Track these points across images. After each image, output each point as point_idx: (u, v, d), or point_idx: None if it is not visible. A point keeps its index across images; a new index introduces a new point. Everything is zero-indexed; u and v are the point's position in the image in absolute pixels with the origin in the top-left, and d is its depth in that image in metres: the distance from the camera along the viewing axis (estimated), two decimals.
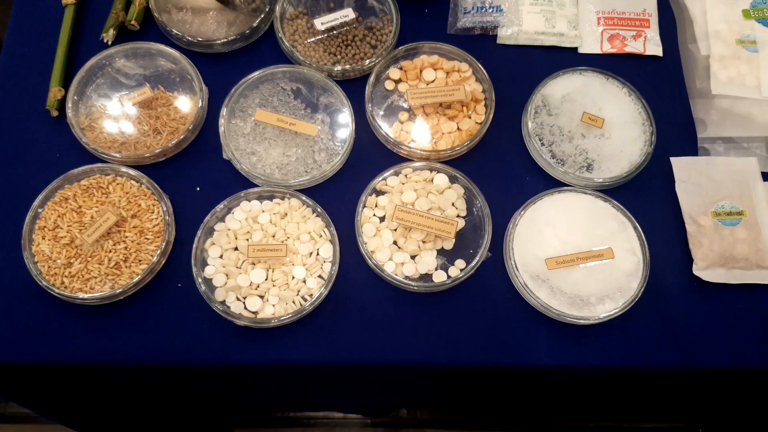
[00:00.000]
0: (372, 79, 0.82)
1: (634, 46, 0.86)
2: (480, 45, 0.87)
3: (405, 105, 0.82)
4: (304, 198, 0.75)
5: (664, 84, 0.86)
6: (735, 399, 0.86)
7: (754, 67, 0.83)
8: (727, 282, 0.75)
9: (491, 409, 1.04)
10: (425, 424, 1.33)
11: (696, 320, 0.74)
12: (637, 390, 0.85)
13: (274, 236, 0.73)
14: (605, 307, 0.72)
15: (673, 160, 0.80)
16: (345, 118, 0.80)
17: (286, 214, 0.74)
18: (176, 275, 0.74)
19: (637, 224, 0.75)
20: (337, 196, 0.78)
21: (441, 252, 0.75)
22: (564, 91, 0.82)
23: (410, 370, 0.73)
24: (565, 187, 0.78)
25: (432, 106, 0.82)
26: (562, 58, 0.86)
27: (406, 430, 1.31)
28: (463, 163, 0.80)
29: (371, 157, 0.81)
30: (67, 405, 0.88)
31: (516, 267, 0.73)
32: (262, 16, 0.85)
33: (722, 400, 0.87)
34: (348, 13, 0.84)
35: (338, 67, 0.82)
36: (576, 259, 0.73)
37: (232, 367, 0.72)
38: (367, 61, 0.83)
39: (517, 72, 0.86)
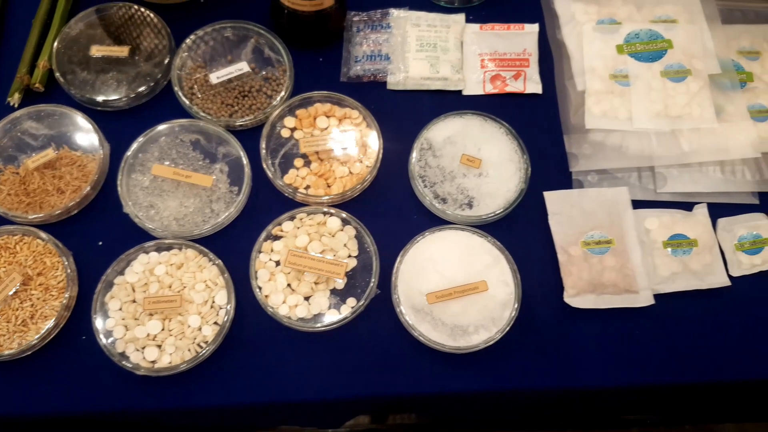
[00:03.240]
0: (267, 128, 0.87)
1: (514, 86, 0.92)
2: (373, 91, 0.93)
3: (300, 152, 0.88)
4: (199, 248, 0.80)
5: (543, 120, 0.92)
6: (609, 414, 0.93)
7: (626, 100, 0.90)
8: (597, 307, 0.81)
9: None
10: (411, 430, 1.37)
11: (567, 344, 0.80)
12: (518, 410, 0.91)
13: (170, 287, 0.78)
14: (480, 336, 0.78)
15: (546, 194, 0.86)
16: (242, 167, 0.85)
17: (182, 265, 0.79)
18: (80, 328, 0.78)
19: (510, 257, 0.81)
20: (236, 243, 0.83)
21: (334, 292, 0.81)
22: (446, 134, 0.88)
23: (305, 407, 0.79)
24: (446, 225, 0.84)
25: (326, 152, 0.87)
26: (448, 101, 0.92)
27: None
28: (356, 205, 0.86)
29: (268, 203, 0.85)
30: None
31: (400, 302, 0.79)
32: (162, 72, 0.90)
33: (597, 415, 0.94)
34: (242, 67, 0.89)
35: (235, 118, 0.87)
36: (453, 293, 0.79)
37: (135, 414, 0.76)
38: (264, 111, 0.88)
39: (407, 116, 0.91)
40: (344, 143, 0.86)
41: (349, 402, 0.79)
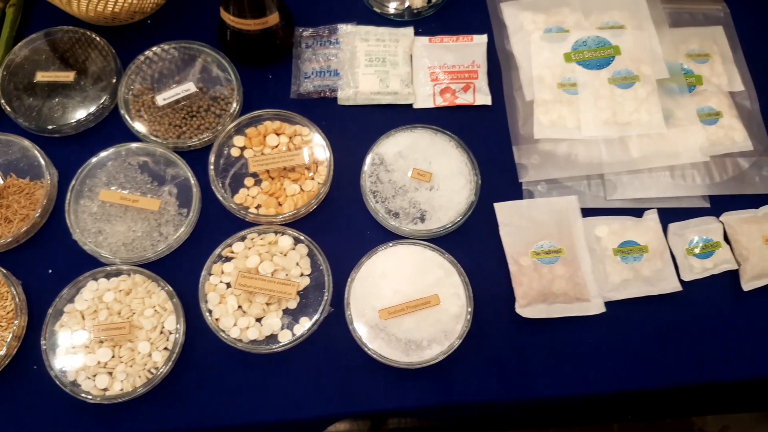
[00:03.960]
0: (216, 147, 0.87)
1: (464, 98, 0.92)
2: (324, 107, 0.93)
3: (250, 171, 0.87)
4: (147, 273, 0.79)
5: (493, 132, 0.92)
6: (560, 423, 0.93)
7: (574, 108, 0.90)
8: (548, 316, 0.81)
9: None
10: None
11: (520, 354, 0.80)
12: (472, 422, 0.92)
13: (119, 313, 0.77)
14: (433, 351, 0.78)
15: (496, 205, 0.86)
16: (191, 188, 0.85)
17: (130, 291, 0.79)
18: (32, 358, 0.77)
19: (462, 270, 0.81)
20: (186, 266, 0.82)
21: (287, 311, 0.81)
22: (397, 148, 0.88)
23: (262, 428, 0.79)
24: (398, 240, 0.84)
25: (276, 170, 0.87)
26: (399, 115, 0.92)
27: None
28: (308, 223, 0.86)
29: (219, 224, 0.85)
30: None
31: (352, 319, 0.79)
32: (109, 95, 0.89)
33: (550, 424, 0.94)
34: (189, 87, 0.88)
35: (184, 139, 0.87)
36: (406, 308, 0.79)
37: None
38: (211, 131, 0.87)
39: (359, 131, 0.91)
40: (295, 161, 0.86)
41: (304, 423, 0.78)
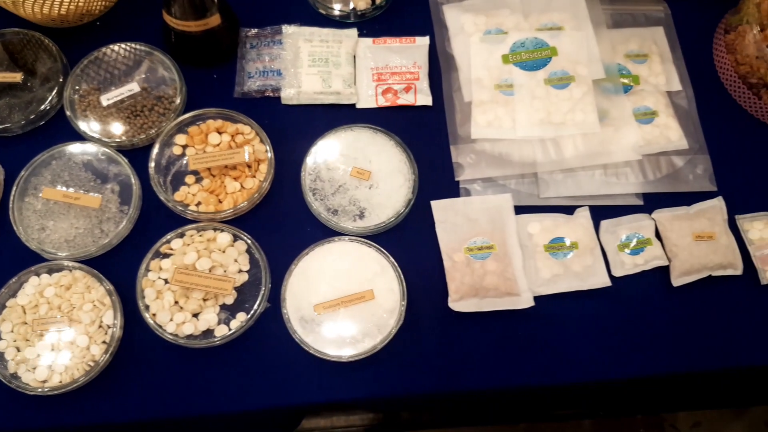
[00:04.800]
0: (158, 146, 0.89)
1: (405, 98, 0.94)
2: (267, 107, 0.95)
3: (190, 169, 0.88)
4: (87, 268, 0.81)
5: (433, 131, 0.94)
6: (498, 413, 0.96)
7: (510, 109, 0.92)
8: (479, 310, 0.83)
9: None
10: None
11: (452, 348, 0.82)
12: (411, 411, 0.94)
13: (59, 308, 0.79)
14: (365, 345, 0.80)
15: (433, 203, 0.88)
16: (133, 186, 0.86)
17: (71, 286, 0.80)
18: None
19: (396, 265, 0.83)
20: (126, 263, 0.84)
21: (224, 307, 0.83)
22: (338, 147, 0.90)
23: (198, 420, 0.81)
24: (336, 236, 0.86)
25: (218, 168, 0.89)
26: (342, 115, 0.94)
27: None
28: (249, 221, 0.88)
29: (160, 222, 0.87)
30: None
31: (288, 315, 0.81)
32: (56, 95, 0.91)
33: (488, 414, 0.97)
34: (133, 87, 0.90)
35: (128, 138, 0.89)
36: (341, 303, 0.81)
37: None
38: (155, 130, 0.89)
39: (302, 130, 0.93)
40: (235, 159, 0.88)
41: (241, 415, 0.81)
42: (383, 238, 0.87)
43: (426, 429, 1.27)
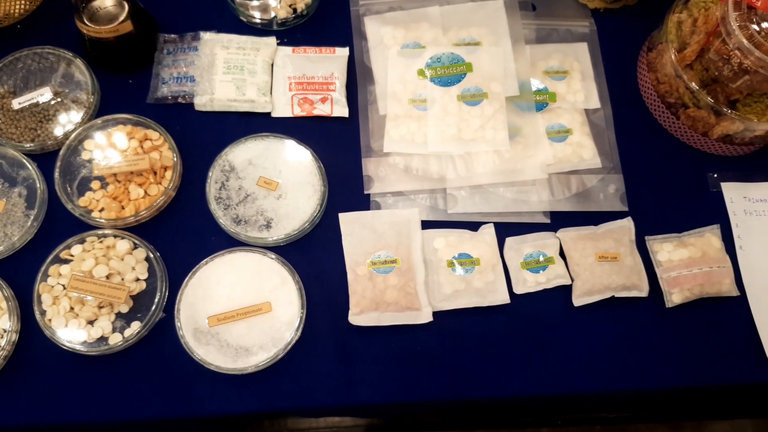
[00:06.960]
0: (64, 150, 0.88)
1: (321, 109, 0.94)
2: (181, 113, 0.94)
3: (94, 174, 0.88)
4: None
5: (348, 144, 0.94)
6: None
7: (423, 124, 0.92)
8: (378, 324, 0.83)
9: None
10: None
11: (349, 362, 0.82)
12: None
13: None
14: (259, 357, 0.80)
15: (341, 215, 0.88)
16: (38, 191, 0.86)
17: None
18: None
19: (298, 277, 0.84)
20: (27, 267, 0.84)
21: (120, 315, 0.82)
22: (248, 156, 0.90)
23: (84, 428, 0.81)
24: (237, 247, 0.86)
25: (123, 174, 0.88)
26: (257, 123, 0.94)
27: None
28: (153, 228, 0.88)
29: (64, 227, 0.87)
30: None
31: (181, 326, 0.81)
32: None
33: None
34: (44, 92, 0.90)
35: (38, 142, 0.89)
36: (236, 315, 0.81)
37: None
38: (64, 134, 0.89)
39: (215, 138, 0.93)
40: (139, 165, 0.87)
41: (132, 424, 0.81)
42: (290, 250, 0.87)
43: None
